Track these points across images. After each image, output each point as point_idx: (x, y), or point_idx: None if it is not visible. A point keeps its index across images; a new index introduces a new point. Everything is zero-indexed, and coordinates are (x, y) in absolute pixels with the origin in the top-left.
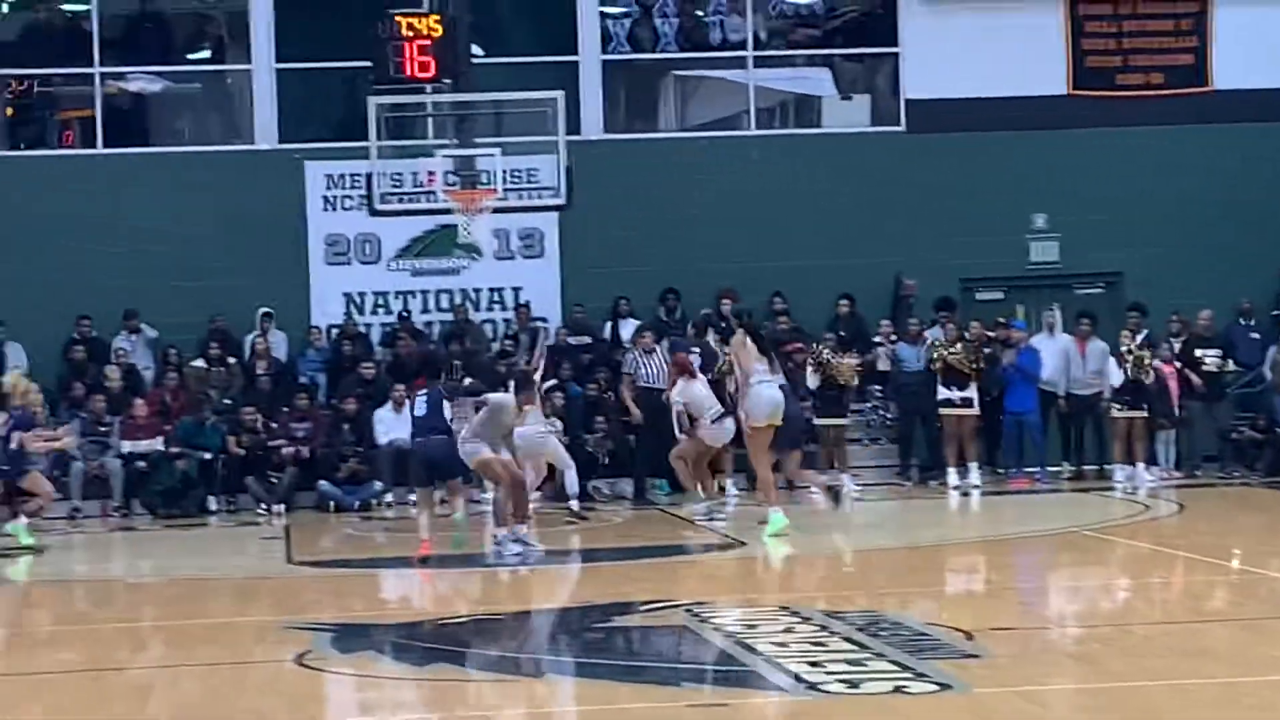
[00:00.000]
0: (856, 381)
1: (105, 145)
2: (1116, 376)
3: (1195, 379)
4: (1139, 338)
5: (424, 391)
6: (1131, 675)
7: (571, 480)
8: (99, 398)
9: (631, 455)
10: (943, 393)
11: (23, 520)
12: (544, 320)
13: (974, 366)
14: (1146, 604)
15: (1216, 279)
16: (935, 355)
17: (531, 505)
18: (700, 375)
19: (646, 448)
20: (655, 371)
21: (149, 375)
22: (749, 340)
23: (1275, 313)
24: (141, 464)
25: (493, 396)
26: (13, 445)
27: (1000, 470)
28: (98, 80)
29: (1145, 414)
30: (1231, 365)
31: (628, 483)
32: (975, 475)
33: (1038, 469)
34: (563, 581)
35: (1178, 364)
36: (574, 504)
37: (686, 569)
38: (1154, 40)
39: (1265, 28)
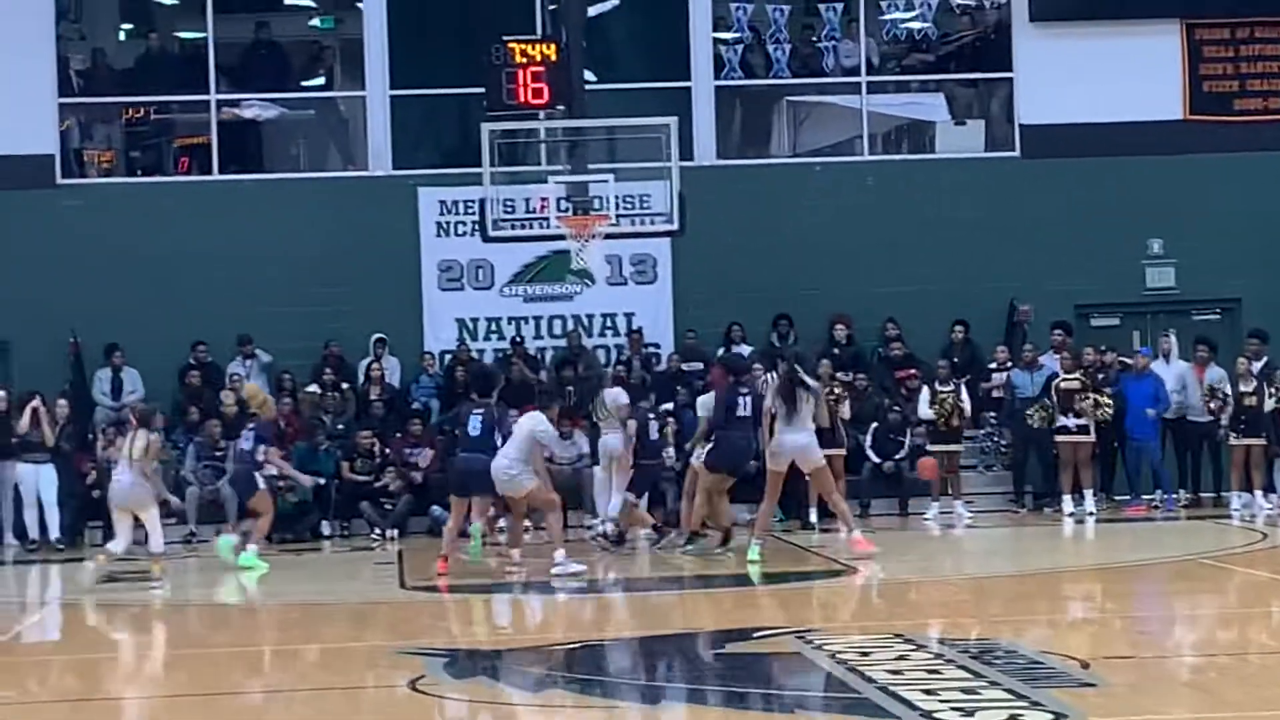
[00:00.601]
0: (964, 415)
1: (220, 172)
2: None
3: None
4: (1258, 365)
5: (479, 410)
6: (1249, 705)
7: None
8: (214, 423)
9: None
10: (1059, 420)
11: (251, 548)
12: (657, 346)
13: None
14: (1264, 633)
15: None
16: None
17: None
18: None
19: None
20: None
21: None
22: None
23: None
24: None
25: (527, 421)
26: (260, 457)
27: (1116, 498)
28: (213, 107)
29: (1263, 442)
30: None
31: (741, 509)
32: (1090, 502)
33: (1156, 495)
34: (676, 607)
35: None
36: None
37: (800, 596)
38: (1271, 65)
39: None
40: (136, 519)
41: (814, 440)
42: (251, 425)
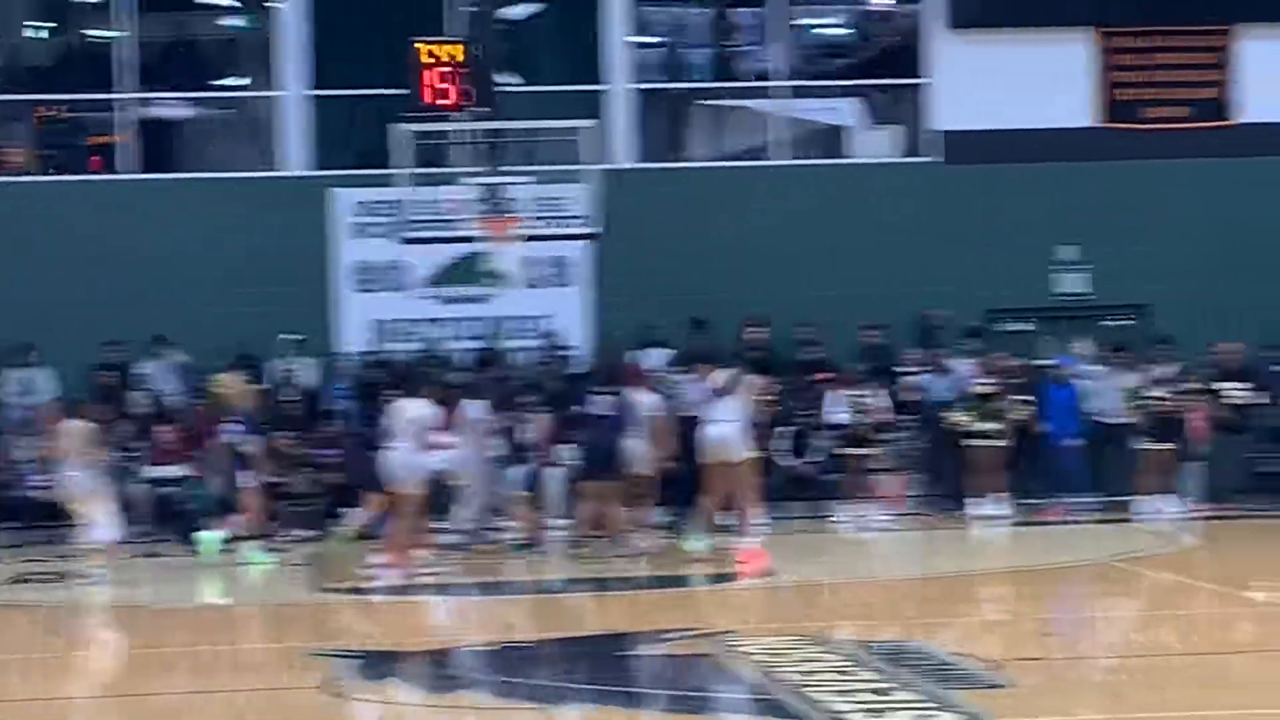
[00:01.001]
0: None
1: (135, 171)
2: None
3: (1223, 412)
4: (1167, 371)
5: None
6: (1156, 707)
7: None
8: (126, 423)
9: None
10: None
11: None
12: (574, 348)
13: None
14: (1171, 635)
15: (1245, 311)
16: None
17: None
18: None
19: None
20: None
21: (176, 401)
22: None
23: None
24: (168, 489)
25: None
26: (247, 449)
27: (1029, 501)
28: (128, 106)
29: (1172, 447)
30: (1260, 399)
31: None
32: (1002, 506)
33: (1073, 498)
34: (588, 610)
35: (1205, 397)
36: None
37: (714, 598)
38: (1182, 73)
39: None
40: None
41: (737, 432)
42: (232, 418)
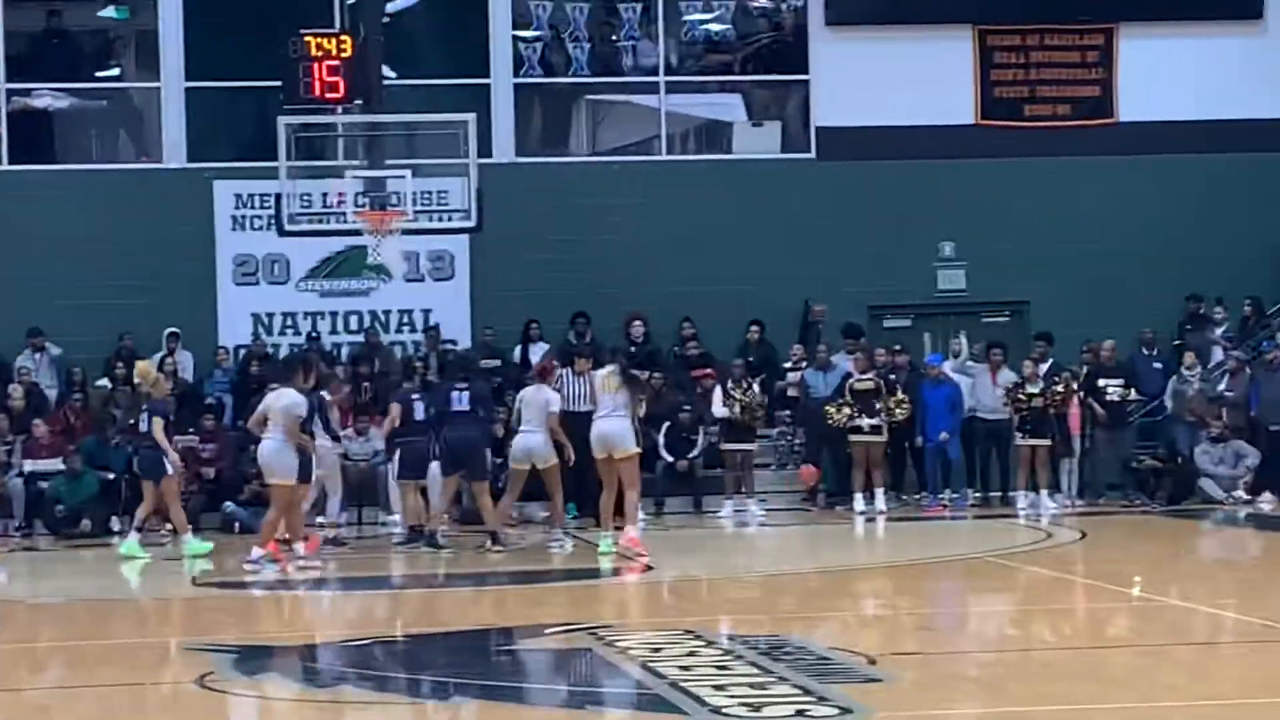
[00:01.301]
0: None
1: (10, 162)
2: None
3: (1098, 408)
4: (1043, 367)
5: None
6: (1031, 700)
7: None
8: (1, 416)
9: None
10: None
11: (134, 535)
12: (454, 342)
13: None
14: (1048, 630)
15: (1121, 308)
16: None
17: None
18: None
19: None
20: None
21: (52, 395)
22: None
23: (1176, 343)
24: (43, 484)
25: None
26: (143, 427)
27: (906, 497)
28: (2, 96)
29: (1048, 442)
30: (1134, 395)
31: (537, 506)
32: (881, 501)
33: (955, 495)
34: (469, 604)
35: (1081, 393)
36: (330, 532)
37: (593, 593)
38: (1061, 71)
39: (1169, 61)
40: None
41: (629, 430)
42: (145, 406)
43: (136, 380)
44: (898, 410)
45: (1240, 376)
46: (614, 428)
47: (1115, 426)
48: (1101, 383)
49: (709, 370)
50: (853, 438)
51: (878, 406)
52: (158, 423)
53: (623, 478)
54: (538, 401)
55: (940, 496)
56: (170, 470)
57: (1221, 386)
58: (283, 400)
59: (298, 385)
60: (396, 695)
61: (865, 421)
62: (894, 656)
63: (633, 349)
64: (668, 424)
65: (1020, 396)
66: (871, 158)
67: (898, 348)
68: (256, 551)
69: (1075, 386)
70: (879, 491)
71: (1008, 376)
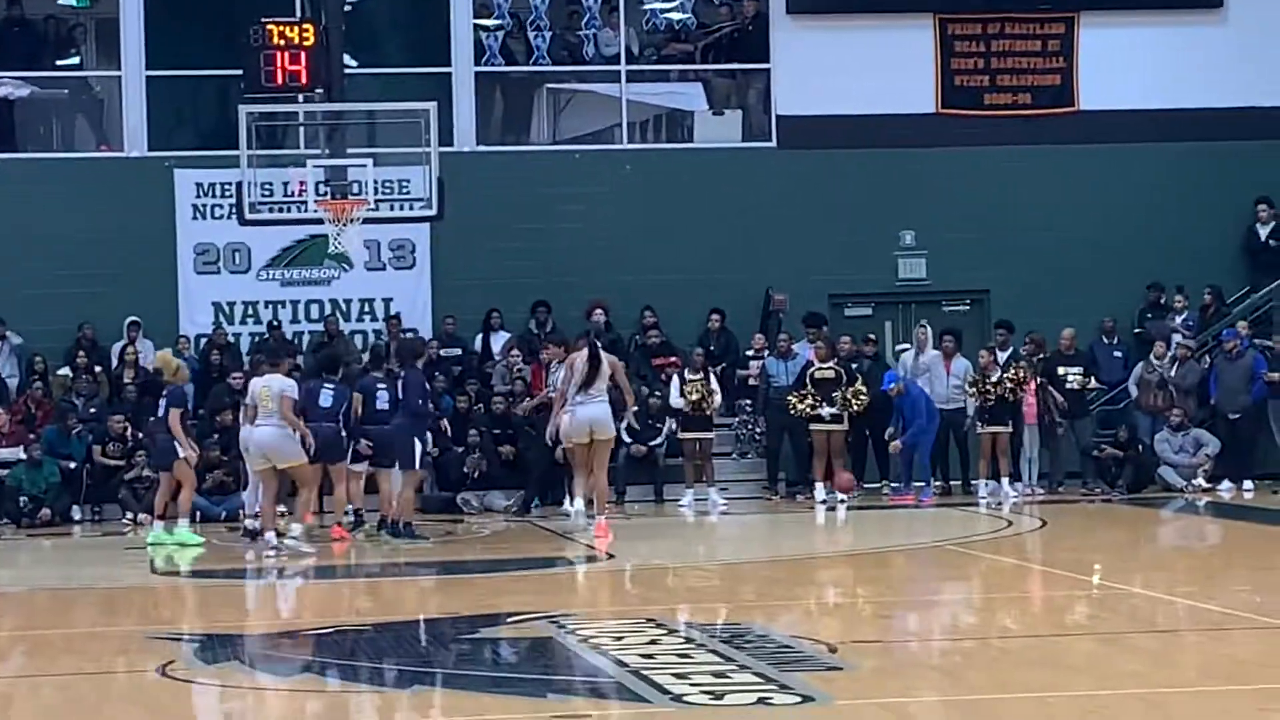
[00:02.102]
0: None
1: None
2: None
3: (1058, 396)
4: (1003, 355)
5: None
6: (992, 688)
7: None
8: None
9: (509, 466)
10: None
11: (183, 522)
12: (415, 331)
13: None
14: (1008, 618)
15: (1081, 297)
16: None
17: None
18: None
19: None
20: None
21: (13, 384)
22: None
23: (1137, 331)
24: (4, 472)
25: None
26: (160, 413)
27: (867, 485)
28: None
29: (1009, 429)
30: (1094, 383)
31: (498, 495)
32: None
33: (923, 484)
34: (430, 593)
35: (1038, 381)
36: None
37: (554, 581)
38: (1021, 60)
39: (1130, 50)
40: None
41: (609, 412)
42: (165, 393)
43: (155, 367)
44: (854, 401)
45: (1189, 364)
46: (599, 412)
47: (1075, 415)
48: (1061, 371)
49: (671, 358)
50: (813, 427)
51: (837, 396)
52: (174, 412)
53: (597, 461)
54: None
55: (913, 487)
56: (181, 454)
57: (1172, 373)
58: (275, 385)
59: (283, 372)
60: (358, 684)
61: (826, 410)
62: (855, 644)
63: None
64: (634, 409)
65: (987, 386)
66: (833, 146)
67: (872, 336)
68: (296, 527)
69: (1030, 374)
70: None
71: (962, 365)
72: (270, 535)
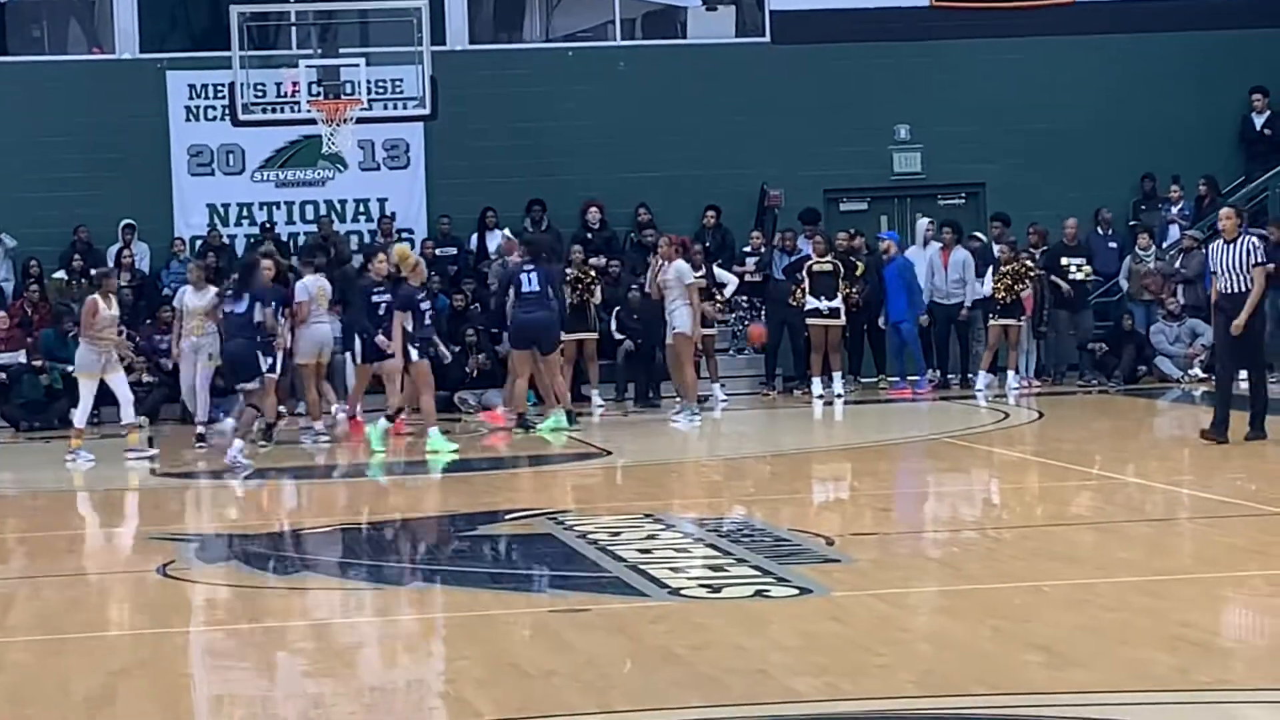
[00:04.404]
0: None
1: None
2: (986, 286)
3: (1064, 286)
4: (1002, 247)
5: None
6: (989, 578)
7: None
8: None
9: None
10: (810, 303)
11: (433, 430)
12: (410, 231)
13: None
14: (1006, 509)
15: (1076, 189)
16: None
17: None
18: None
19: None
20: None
21: (9, 287)
22: None
23: (1132, 223)
24: (2, 376)
25: None
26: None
27: (864, 380)
28: None
29: (1010, 323)
30: (1092, 274)
31: (495, 393)
32: (839, 385)
33: (918, 378)
34: (428, 491)
35: (1039, 272)
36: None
37: (551, 478)
38: None
39: None
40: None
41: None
42: (390, 290)
43: (393, 263)
44: (854, 293)
45: (1195, 255)
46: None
47: (1077, 307)
48: (1064, 261)
49: None
50: (810, 321)
51: (836, 289)
52: (400, 315)
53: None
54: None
55: (911, 379)
56: (415, 357)
57: (1178, 265)
58: (320, 283)
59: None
60: (357, 582)
61: (824, 304)
62: (852, 537)
63: (589, 235)
64: (618, 307)
65: (979, 278)
66: (826, 41)
67: (853, 231)
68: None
69: (1034, 267)
70: (836, 375)
71: (960, 256)
72: (318, 425)
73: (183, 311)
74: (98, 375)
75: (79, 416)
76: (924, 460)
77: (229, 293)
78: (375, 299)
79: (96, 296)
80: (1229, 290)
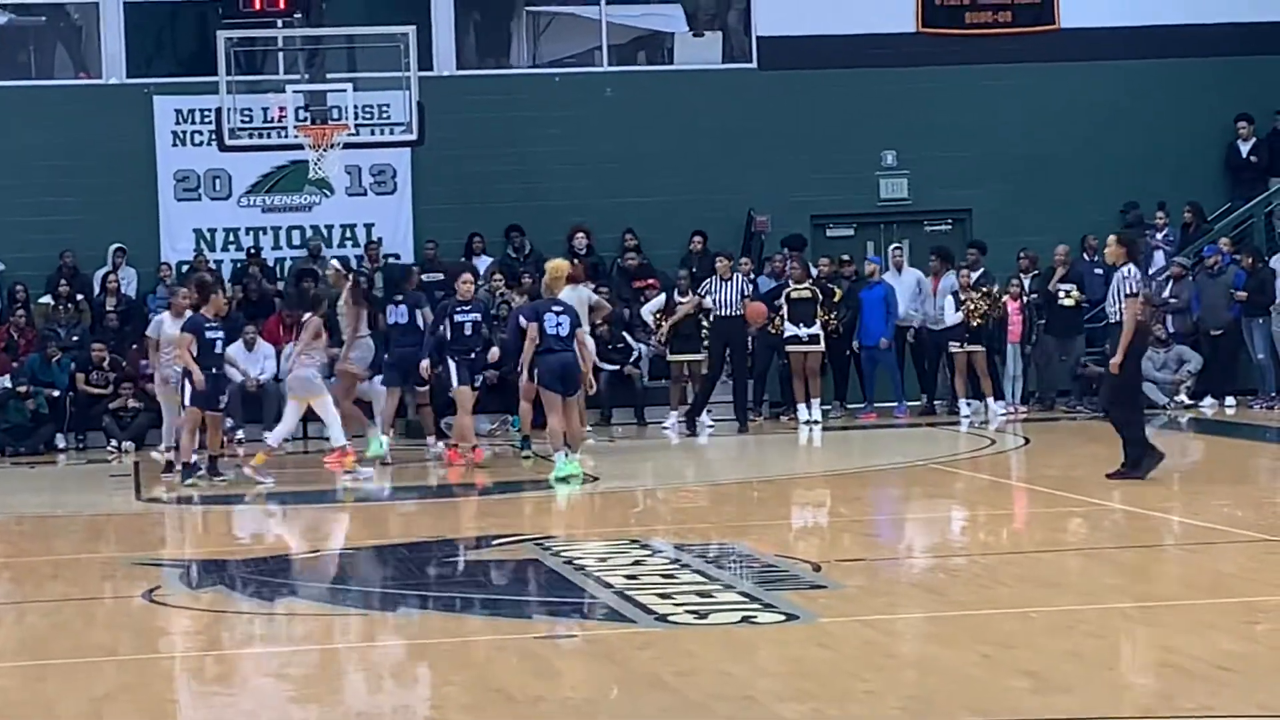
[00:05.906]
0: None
1: None
2: (951, 315)
3: (1063, 299)
4: (975, 276)
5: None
6: (976, 604)
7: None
8: None
9: (492, 391)
10: (789, 329)
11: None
12: (396, 256)
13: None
14: (991, 535)
15: (1063, 215)
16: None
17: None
18: None
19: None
20: (731, 298)
21: None
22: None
23: None
24: None
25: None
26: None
27: (850, 406)
28: None
29: (983, 349)
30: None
31: (483, 420)
32: (816, 411)
33: (895, 404)
34: (414, 516)
35: (1029, 298)
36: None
37: (539, 504)
38: None
39: None
40: None
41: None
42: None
43: (548, 280)
44: (832, 319)
45: (1183, 282)
46: None
47: (1068, 333)
48: (1056, 286)
49: (651, 280)
50: (790, 348)
51: (814, 316)
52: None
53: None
54: None
55: (886, 405)
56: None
57: (1165, 293)
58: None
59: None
60: (343, 607)
61: (803, 331)
62: (839, 563)
63: (575, 260)
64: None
65: (961, 304)
66: (813, 67)
67: (846, 257)
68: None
69: (1018, 293)
70: (814, 401)
71: (948, 282)
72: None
73: (159, 340)
74: (324, 393)
75: (276, 437)
76: (910, 486)
77: (394, 302)
78: (459, 318)
79: (318, 318)
80: (1115, 321)
